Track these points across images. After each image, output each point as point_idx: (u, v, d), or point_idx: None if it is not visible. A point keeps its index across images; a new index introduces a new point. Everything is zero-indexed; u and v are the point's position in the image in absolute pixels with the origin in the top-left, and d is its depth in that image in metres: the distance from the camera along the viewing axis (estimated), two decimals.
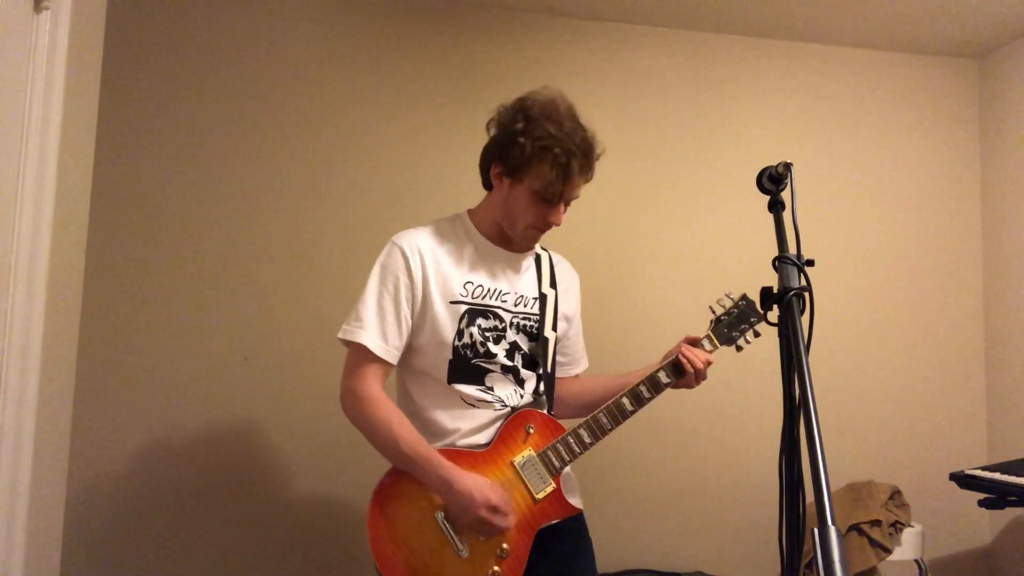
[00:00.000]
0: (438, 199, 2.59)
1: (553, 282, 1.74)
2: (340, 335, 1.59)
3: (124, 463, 2.36)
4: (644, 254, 2.80)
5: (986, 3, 2.66)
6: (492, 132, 1.64)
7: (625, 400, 1.63)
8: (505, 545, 1.53)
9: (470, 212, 1.72)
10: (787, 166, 1.35)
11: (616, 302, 2.74)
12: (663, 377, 1.66)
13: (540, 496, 1.58)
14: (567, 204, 1.63)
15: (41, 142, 1.41)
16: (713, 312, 1.76)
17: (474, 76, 2.71)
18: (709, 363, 1.68)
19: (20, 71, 1.36)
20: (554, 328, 1.71)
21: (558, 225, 1.62)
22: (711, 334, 1.74)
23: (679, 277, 2.80)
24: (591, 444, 1.61)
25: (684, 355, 1.66)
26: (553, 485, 1.59)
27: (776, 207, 1.37)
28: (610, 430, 1.62)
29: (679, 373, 1.67)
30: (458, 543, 1.50)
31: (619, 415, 1.63)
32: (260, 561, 2.42)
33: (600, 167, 2.76)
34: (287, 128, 2.56)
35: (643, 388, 1.65)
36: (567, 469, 1.64)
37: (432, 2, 2.72)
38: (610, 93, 2.83)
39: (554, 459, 1.60)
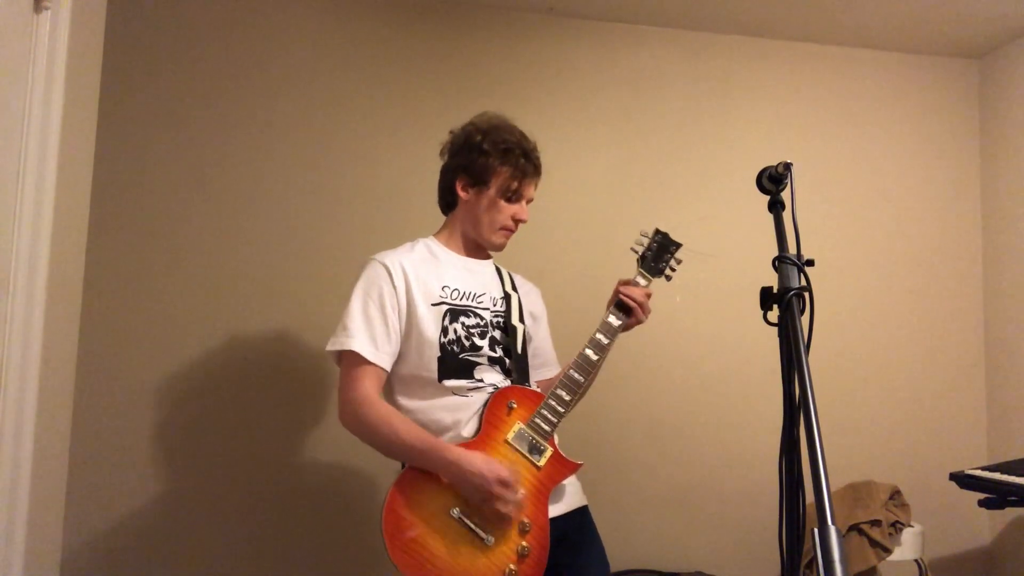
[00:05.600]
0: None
1: (514, 287, 1.86)
2: (328, 347, 1.64)
3: (124, 463, 2.36)
4: None
5: (986, 3, 2.66)
6: (447, 155, 1.82)
7: (588, 351, 1.70)
8: (525, 519, 1.57)
9: (435, 235, 1.84)
10: (787, 166, 1.35)
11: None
12: (613, 319, 1.74)
13: (542, 463, 1.63)
14: (528, 202, 1.80)
15: (41, 142, 1.41)
16: (636, 252, 1.85)
17: (474, 76, 2.71)
18: (648, 295, 1.78)
19: (20, 71, 1.36)
20: (521, 320, 1.80)
21: (525, 222, 1.79)
22: (641, 270, 1.82)
23: (677, 277, 2.79)
24: (572, 401, 1.67)
25: (624, 292, 1.75)
26: (551, 449, 1.65)
27: (776, 207, 1.37)
28: (584, 383, 1.69)
29: (626, 311, 1.75)
30: (481, 533, 1.53)
31: (587, 365, 1.69)
32: (267, 568, 2.42)
33: (600, 167, 2.79)
34: (287, 129, 2.56)
35: (599, 335, 1.72)
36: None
37: (432, 2, 2.72)
38: (610, 93, 2.83)
39: (544, 424, 1.65)
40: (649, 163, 2.84)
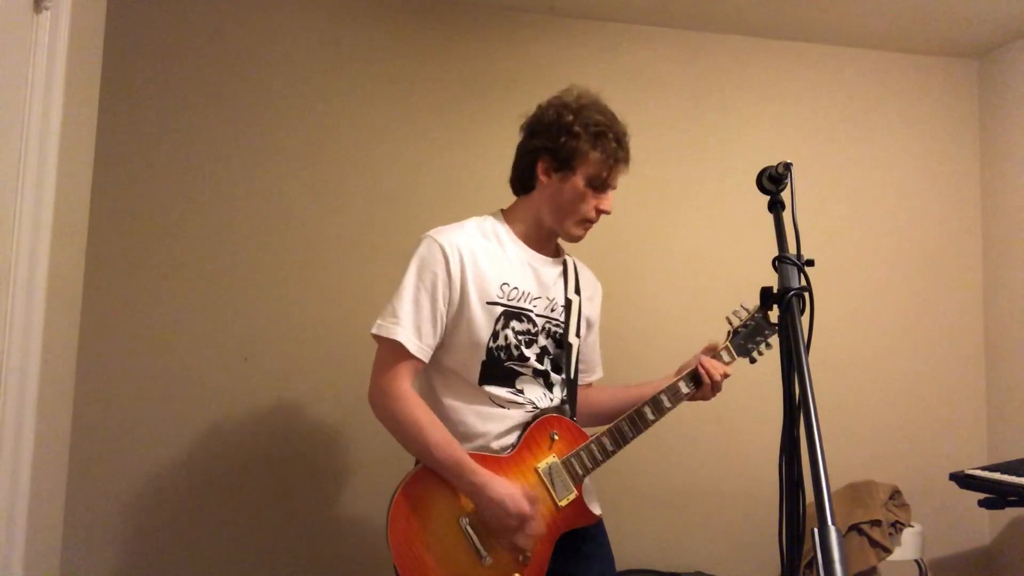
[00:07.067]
0: (440, 199, 2.59)
1: (577, 288, 1.74)
2: (375, 331, 1.56)
3: (124, 463, 2.36)
4: (643, 254, 2.80)
5: (986, 3, 2.66)
6: (530, 133, 1.66)
7: (647, 409, 1.65)
8: (528, 553, 1.53)
9: (504, 213, 1.71)
10: (787, 166, 1.35)
11: (613, 303, 2.72)
12: (683, 387, 1.69)
13: (563, 503, 1.58)
14: (613, 191, 1.66)
15: (41, 142, 1.40)
16: (730, 323, 1.76)
17: (474, 76, 2.71)
18: (727, 375, 1.71)
19: (20, 71, 1.36)
20: (577, 334, 1.71)
21: (609, 213, 1.65)
22: (729, 345, 1.75)
23: (678, 277, 2.80)
24: (613, 452, 1.62)
25: (704, 367, 1.68)
26: (575, 493, 1.59)
27: (776, 207, 1.37)
28: (632, 438, 1.64)
29: (698, 384, 1.70)
30: (482, 550, 1.50)
31: (641, 424, 1.65)
32: (268, 565, 2.42)
33: None
34: (288, 128, 2.56)
35: (664, 397, 1.67)
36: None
37: (432, 2, 2.72)
38: (610, 93, 2.79)
39: (577, 467, 1.60)
40: (649, 163, 2.83)
